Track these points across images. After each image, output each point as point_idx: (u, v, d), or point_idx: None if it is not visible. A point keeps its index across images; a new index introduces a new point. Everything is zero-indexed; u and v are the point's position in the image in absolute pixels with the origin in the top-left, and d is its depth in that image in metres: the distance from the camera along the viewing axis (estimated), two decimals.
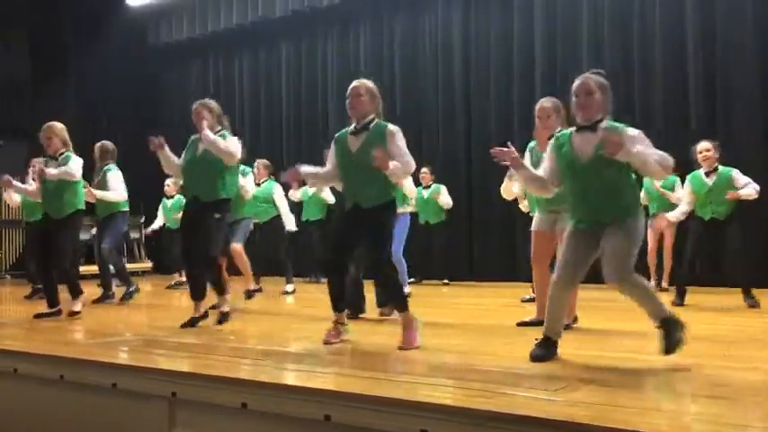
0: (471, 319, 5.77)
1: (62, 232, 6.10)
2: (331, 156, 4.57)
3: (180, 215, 9.42)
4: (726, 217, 6.32)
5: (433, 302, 7.14)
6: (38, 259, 6.43)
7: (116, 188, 7.37)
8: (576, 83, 3.68)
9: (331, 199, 9.71)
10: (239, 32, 12.46)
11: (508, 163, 3.77)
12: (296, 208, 9.65)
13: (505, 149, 3.73)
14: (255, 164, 8.48)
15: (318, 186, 4.77)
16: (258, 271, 8.70)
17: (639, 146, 3.48)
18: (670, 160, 3.52)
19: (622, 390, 3.02)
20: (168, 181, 9.72)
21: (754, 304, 6.12)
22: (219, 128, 5.42)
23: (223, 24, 12.44)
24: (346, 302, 4.58)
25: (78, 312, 6.17)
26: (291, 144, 12.09)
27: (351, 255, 4.52)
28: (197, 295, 5.43)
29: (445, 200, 9.37)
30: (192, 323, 5.34)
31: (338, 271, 4.43)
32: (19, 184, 6.72)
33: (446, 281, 9.40)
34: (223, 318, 5.43)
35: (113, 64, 12.99)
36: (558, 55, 9.50)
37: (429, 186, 9.43)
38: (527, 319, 5.16)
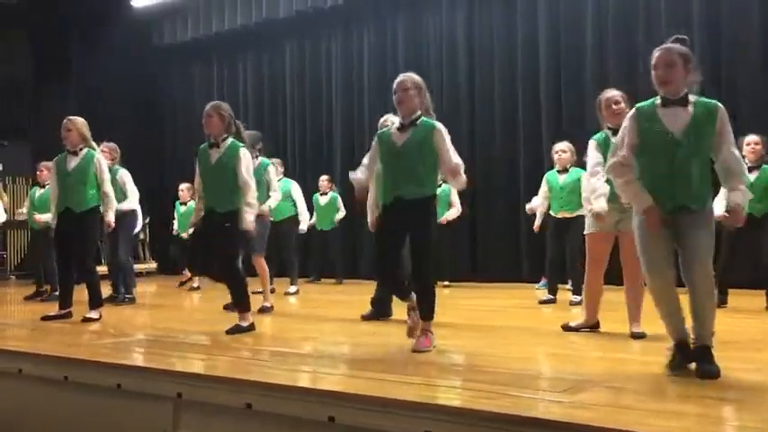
0: (475, 320, 5.76)
1: (86, 225, 6.01)
2: (371, 154, 4.48)
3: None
4: (763, 214, 6.13)
5: (437, 303, 7.12)
6: (58, 258, 6.33)
7: (132, 190, 7.48)
8: (656, 54, 3.40)
9: (341, 213, 9.86)
10: (243, 33, 12.46)
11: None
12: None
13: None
14: (270, 161, 8.49)
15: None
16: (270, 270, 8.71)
17: (729, 158, 3.36)
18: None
19: (628, 392, 3.02)
20: (182, 186, 9.77)
21: None
22: (225, 135, 5.23)
23: (227, 25, 12.44)
24: (404, 292, 4.43)
25: (94, 320, 6.00)
26: (296, 144, 12.08)
27: (399, 251, 4.42)
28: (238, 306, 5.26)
29: (455, 212, 9.26)
30: (235, 330, 5.12)
31: (389, 271, 4.37)
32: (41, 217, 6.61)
33: (446, 283, 9.38)
34: (235, 330, 5.08)
35: (116, 65, 13.00)
36: (561, 54, 9.48)
37: (439, 186, 9.39)
38: (572, 323, 4.94)
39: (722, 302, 6.14)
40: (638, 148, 3.45)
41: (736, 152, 3.41)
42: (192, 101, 13.49)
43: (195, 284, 9.51)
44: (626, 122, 3.54)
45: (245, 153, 5.21)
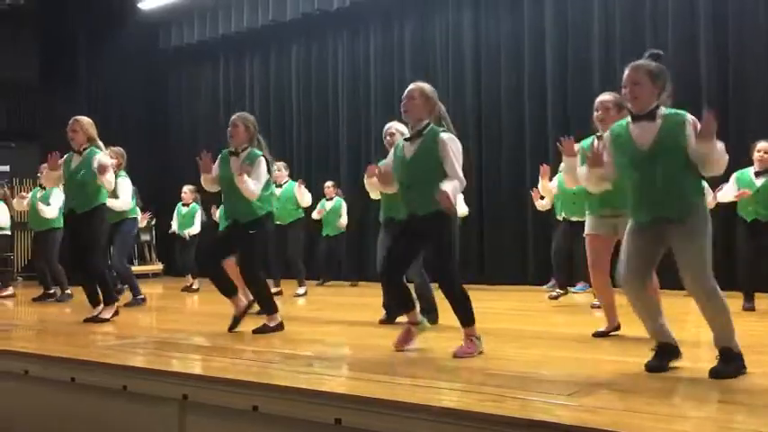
0: (483, 323, 5.68)
1: (90, 226, 6.05)
2: (389, 161, 4.46)
3: (193, 228, 9.58)
4: None
5: (445, 305, 7.10)
6: (70, 260, 6.36)
7: (125, 196, 7.39)
8: (625, 72, 3.57)
9: (344, 219, 9.91)
10: (249, 36, 12.47)
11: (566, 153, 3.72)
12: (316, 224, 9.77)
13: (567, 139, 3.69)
14: (275, 166, 8.51)
15: (383, 188, 4.66)
16: (276, 273, 8.74)
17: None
18: (725, 159, 3.42)
19: (637, 395, 3.00)
20: (186, 188, 9.79)
21: None
22: (246, 145, 5.24)
23: (233, 27, 12.45)
24: (412, 302, 4.42)
25: (107, 320, 6.04)
26: (302, 146, 12.08)
27: (406, 265, 4.38)
28: (227, 292, 5.32)
29: (461, 210, 9.29)
30: (236, 323, 5.27)
31: (394, 281, 4.32)
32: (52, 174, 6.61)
33: None
34: (260, 329, 5.15)
35: (123, 67, 13.03)
36: (569, 55, 9.45)
37: None
38: (601, 329, 4.83)
39: (749, 308, 6.15)
40: (616, 164, 3.66)
41: (719, 148, 3.38)
42: (198, 103, 13.54)
43: (195, 286, 9.54)
44: (605, 141, 3.78)
45: (261, 161, 5.20)
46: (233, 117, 5.33)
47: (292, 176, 9.07)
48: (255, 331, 5.12)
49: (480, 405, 2.82)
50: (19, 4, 11.99)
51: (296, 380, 3.48)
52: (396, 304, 4.37)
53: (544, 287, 8.20)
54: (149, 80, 13.73)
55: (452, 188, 3.96)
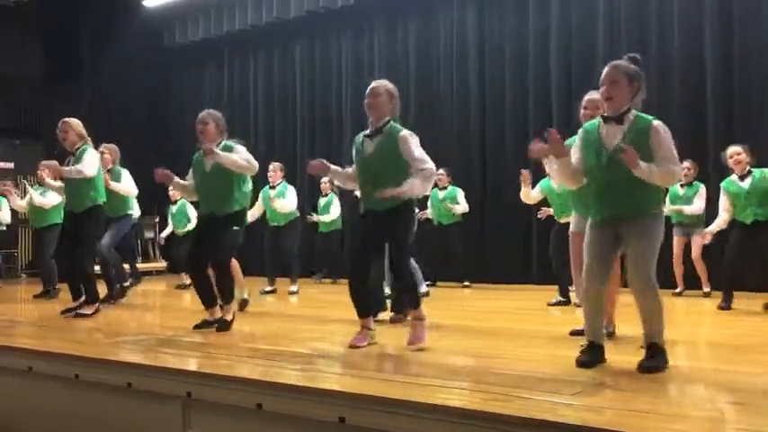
0: (486, 322, 5.74)
1: (83, 226, 6.10)
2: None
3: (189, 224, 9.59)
4: None
5: (448, 305, 7.11)
6: (57, 254, 6.42)
7: (127, 183, 7.41)
8: (604, 70, 3.60)
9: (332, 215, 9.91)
10: (254, 33, 12.48)
11: (548, 153, 3.69)
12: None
13: (550, 139, 3.58)
14: (271, 166, 8.53)
15: (343, 184, 4.78)
16: (271, 272, 8.74)
17: (655, 164, 3.42)
18: (676, 177, 3.58)
19: (640, 395, 3.00)
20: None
21: None
22: (220, 139, 5.24)
23: (238, 25, 12.45)
24: (371, 307, 4.54)
25: (87, 315, 6.12)
26: (306, 144, 12.09)
27: (370, 261, 4.44)
28: (207, 302, 5.34)
29: (461, 208, 9.31)
30: (203, 325, 5.28)
31: (358, 278, 4.37)
32: (51, 182, 6.66)
33: (467, 283, 9.37)
34: (222, 325, 5.18)
35: (127, 65, 13.04)
36: (573, 56, 9.44)
37: (445, 188, 9.38)
38: (579, 327, 4.71)
39: (726, 307, 6.22)
40: (582, 161, 3.68)
41: (672, 167, 3.47)
42: (202, 101, 13.50)
43: (188, 282, 9.54)
44: (577, 136, 3.81)
45: (238, 147, 5.24)
46: (202, 114, 5.26)
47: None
48: (218, 329, 5.13)
49: (485, 404, 2.82)
50: (23, 1, 12.00)
51: (300, 378, 3.49)
52: (356, 305, 4.39)
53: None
54: (153, 78, 13.74)
55: (410, 186, 4.10)
